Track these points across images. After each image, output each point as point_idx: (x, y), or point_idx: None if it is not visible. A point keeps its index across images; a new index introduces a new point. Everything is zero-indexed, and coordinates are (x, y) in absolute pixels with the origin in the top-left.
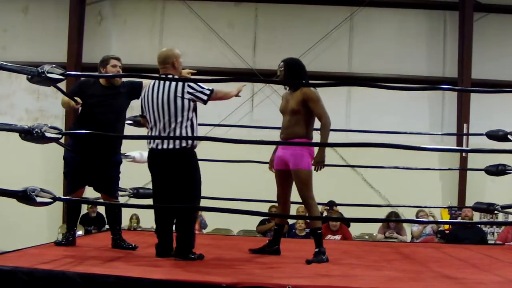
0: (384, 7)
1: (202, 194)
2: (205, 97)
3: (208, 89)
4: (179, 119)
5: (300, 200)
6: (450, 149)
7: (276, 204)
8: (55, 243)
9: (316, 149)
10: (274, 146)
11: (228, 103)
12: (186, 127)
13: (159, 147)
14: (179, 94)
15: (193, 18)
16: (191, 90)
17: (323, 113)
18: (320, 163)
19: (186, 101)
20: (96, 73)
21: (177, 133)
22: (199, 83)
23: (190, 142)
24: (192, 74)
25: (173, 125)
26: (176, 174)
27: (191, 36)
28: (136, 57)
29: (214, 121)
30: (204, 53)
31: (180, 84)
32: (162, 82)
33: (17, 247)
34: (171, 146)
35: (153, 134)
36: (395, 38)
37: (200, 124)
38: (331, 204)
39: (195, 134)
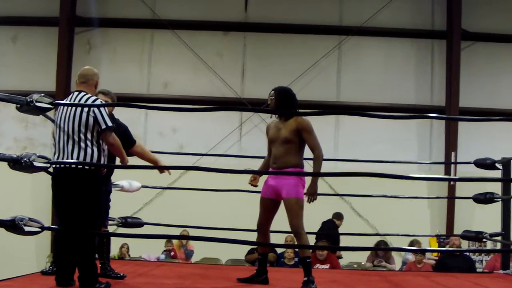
0: (371, 36)
1: (191, 223)
2: (103, 125)
3: (107, 123)
4: (82, 136)
5: (287, 229)
6: (438, 178)
7: None
8: (41, 273)
9: (307, 179)
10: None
11: (215, 132)
12: (90, 146)
13: (57, 166)
14: (85, 109)
15: (181, 47)
16: (96, 110)
17: (317, 144)
18: (313, 194)
19: (91, 118)
20: (84, 103)
21: (78, 152)
22: (105, 115)
23: (89, 163)
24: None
25: (74, 142)
26: (71, 196)
27: (179, 65)
28: (125, 86)
29: (202, 151)
30: (192, 82)
31: (89, 101)
32: (74, 97)
33: (6, 276)
34: (68, 165)
35: (55, 153)
36: (383, 67)
37: (187, 154)
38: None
39: (100, 159)
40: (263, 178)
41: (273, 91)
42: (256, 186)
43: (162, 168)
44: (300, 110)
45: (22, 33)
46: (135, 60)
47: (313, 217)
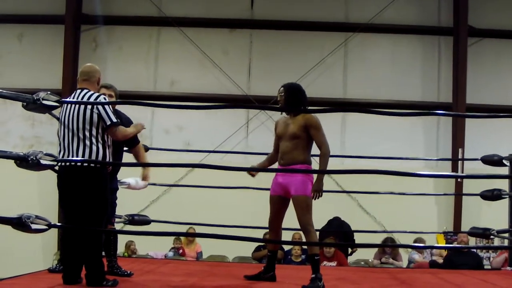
0: (378, 33)
1: (198, 221)
2: (108, 122)
3: (112, 119)
4: (87, 133)
5: (295, 226)
6: (445, 175)
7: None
8: (48, 270)
9: (315, 175)
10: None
11: (222, 130)
12: (95, 143)
13: (63, 163)
14: (89, 107)
15: (188, 45)
16: (100, 107)
17: (324, 141)
18: (318, 191)
19: (95, 115)
20: (91, 101)
21: (83, 149)
22: (109, 111)
23: (94, 160)
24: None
25: (79, 139)
26: (76, 194)
27: (186, 63)
28: (131, 84)
29: (208, 148)
30: (199, 80)
31: (92, 98)
32: (77, 95)
33: (13, 273)
34: (73, 163)
35: (60, 150)
36: (390, 64)
37: (194, 151)
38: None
39: (105, 156)
40: (271, 175)
41: (282, 88)
42: (253, 176)
43: (144, 177)
44: (309, 107)
45: (28, 31)
46: (141, 57)
47: (321, 214)
